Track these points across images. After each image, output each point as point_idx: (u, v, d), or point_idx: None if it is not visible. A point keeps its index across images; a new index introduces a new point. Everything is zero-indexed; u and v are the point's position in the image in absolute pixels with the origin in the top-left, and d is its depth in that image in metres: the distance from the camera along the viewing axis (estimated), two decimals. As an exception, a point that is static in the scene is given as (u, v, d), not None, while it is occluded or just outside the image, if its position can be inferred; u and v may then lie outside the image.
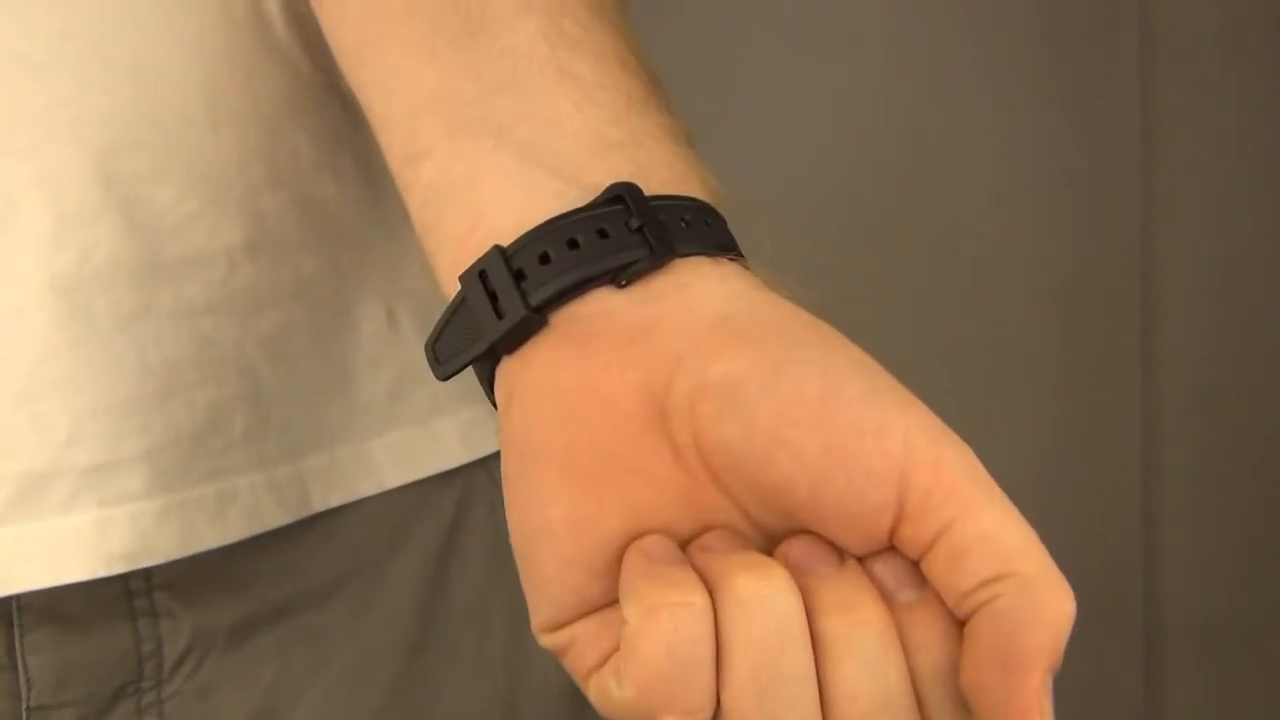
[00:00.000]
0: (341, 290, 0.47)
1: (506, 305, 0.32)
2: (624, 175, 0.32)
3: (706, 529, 0.30)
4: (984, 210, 1.31)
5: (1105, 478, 1.33)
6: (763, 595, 0.28)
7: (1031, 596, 0.27)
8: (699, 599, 0.28)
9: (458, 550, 0.50)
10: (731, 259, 0.32)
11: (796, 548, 0.30)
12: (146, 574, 0.45)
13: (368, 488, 0.48)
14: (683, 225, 0.32)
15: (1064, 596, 0.27)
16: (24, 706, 0.44)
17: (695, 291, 0.31)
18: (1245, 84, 1.29)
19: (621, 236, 0.31)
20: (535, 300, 0.31)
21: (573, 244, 0.31)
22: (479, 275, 0.32)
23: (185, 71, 0.42)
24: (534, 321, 0.31)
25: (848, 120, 1.30)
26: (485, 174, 0.33)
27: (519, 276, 0.31)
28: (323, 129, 0.45)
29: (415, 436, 0.49)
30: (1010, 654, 0.27)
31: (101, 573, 0.43)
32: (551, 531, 0.30)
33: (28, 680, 0.44)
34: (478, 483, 0.51)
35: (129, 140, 0.42)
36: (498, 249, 0.32)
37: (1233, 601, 1.32)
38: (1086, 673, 1.30)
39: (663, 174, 0.33)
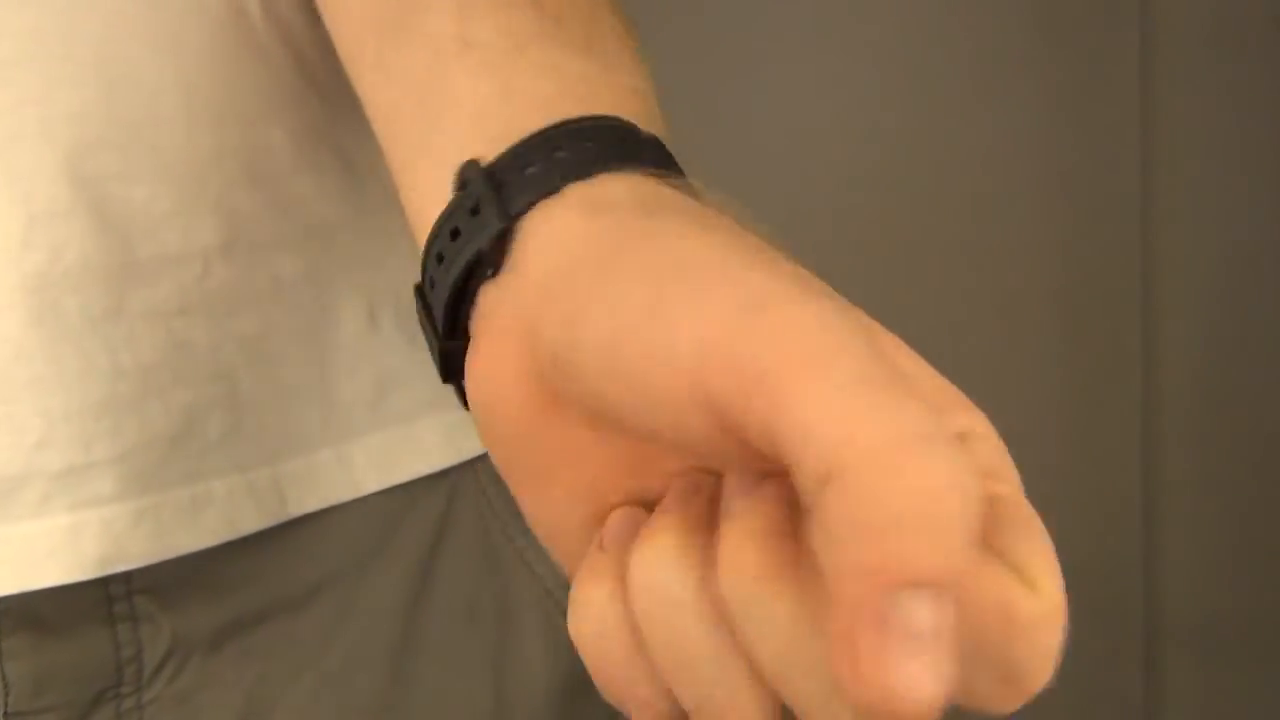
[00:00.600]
0: (322, 290, 0.47)
1: (429, 333, 0.32)
2: (492, 142, 0.30)
3: (672, 483, 0.27)
4: (983, 210, 1.31)
5: (1105, 478, 1.33)
6: (647, 572, 0.25)
7: (852, 494, 0.20)
8: (598, 591, 0.26)
9: (444, 554, 0.50)
10: (613, 172, 0.29)
11: (696, 503, 0.26)
12: (126, 578, 0.44)
13: (346, 492, 0.48)
14: (530, 172, 0.29)
15: (917, 470, 0.20)
16: (2, 712, 0.44)
17: (543, 252, 0.28)
18: (1244, 84, 1.28)
19: (469, 227, 0.29)
20: (440, 327, 0.31)
21: (440, 258, 0.30)
22: (417, 292, 0.32)
23: (158, 69, 0.42)
24: (454, 346, 0.30)
25: (847, 120, 1.29)
26: (406, 184, 0.33)
27: (426, 296, 0.32)
28: (301, 126, 0.45)
29: (397, 438, 0.49)
30: (833, 578, 0.20)
31: (75, 577, 0.42)
32: (546, 542, 0.30)
33: (5, 686, 0.44)
34: (464, 485, 0.50)
35: (99, 139, 0.41)
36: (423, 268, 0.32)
37: (1232, 602, 1.32)
38: (1086, 673, 1.29)
39: (535, 115, 0.30)
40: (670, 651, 0.25)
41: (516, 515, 0.45)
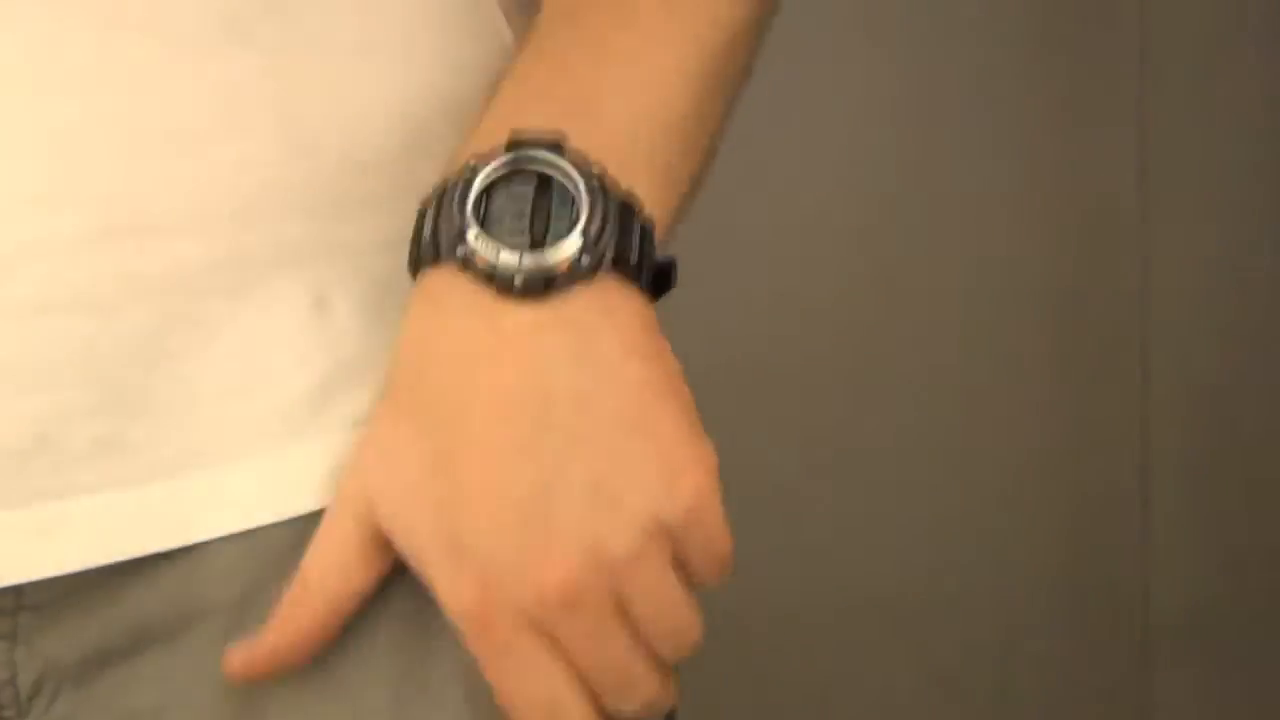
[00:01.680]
0: (244, 276, 0.40)
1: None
2: None
3: None
4: (983, 211, 1.31)
5: (1103, 478, 1.33)
6: None
7: None
8: None
9: None
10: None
11: None
12: (16, 592, 0.40)
13: (266, 514, 0.40)
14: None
15: None
16: None
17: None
18: (1244, 83, 1.28)
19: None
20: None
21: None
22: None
23: None
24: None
25: (846, 121, 1.30)
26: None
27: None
28: (222, 82, 0.39)
29: (344, 445, 0.41)
30: None
31: None
32: None
33: None
34: None
35: None
36: None
37: (1229, 601, 1.32)
38: (1083, 671, 1.29)
39: None
40: None
41: None
